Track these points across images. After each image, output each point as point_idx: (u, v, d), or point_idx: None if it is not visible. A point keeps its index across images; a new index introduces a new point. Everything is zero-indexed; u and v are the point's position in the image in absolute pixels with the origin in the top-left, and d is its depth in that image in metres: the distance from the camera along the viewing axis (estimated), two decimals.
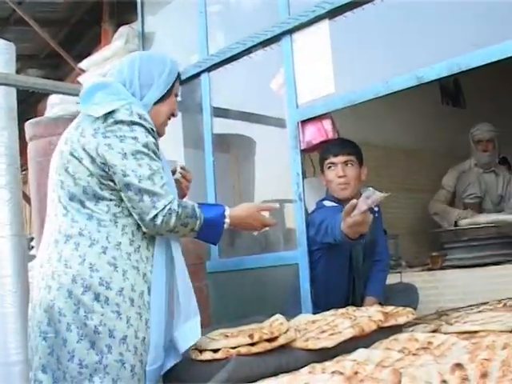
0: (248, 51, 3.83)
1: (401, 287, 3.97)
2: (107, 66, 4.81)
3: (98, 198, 2.30)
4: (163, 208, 2.25)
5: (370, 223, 2.81)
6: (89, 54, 5.51)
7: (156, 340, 2.33)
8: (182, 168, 2.78)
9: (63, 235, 2.29)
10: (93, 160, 2.28)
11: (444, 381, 1.80)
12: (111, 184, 2.30)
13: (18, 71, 7.14)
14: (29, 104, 7.83)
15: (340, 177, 3.55)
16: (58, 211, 2.33)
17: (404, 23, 3.20)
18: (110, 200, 2.31)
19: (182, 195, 2.69)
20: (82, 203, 2.29)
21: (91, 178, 2.29)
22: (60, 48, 6.23)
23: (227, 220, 2.44)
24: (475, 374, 1.80)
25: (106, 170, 2.28)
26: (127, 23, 5.16)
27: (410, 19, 3.20)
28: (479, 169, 5.73)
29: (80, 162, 2.30)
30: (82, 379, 2.16)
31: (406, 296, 3.80)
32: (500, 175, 5.75)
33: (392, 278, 4.29)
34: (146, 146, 2.28)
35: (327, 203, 3.58)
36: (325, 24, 3.40)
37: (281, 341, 2.35)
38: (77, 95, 4.52)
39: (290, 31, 3.54)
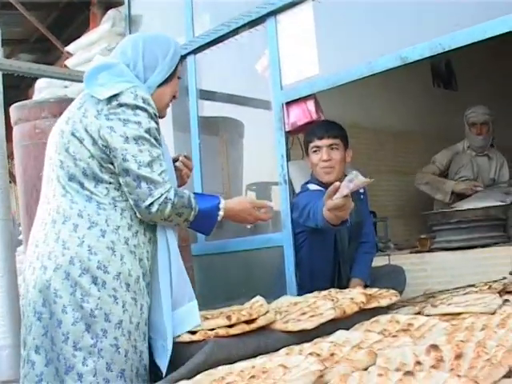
0: (233, 33, 3.81)
1: (388, 269, 3.95)
2: (94, 49, 4.79)
3: (97, 180, 2.28)
4: (159, 196, 2.24)
5: (351, 209, 2.77)
6: (78, 38, 5.47)
7: (168, 325, 2.33)
8: (184, 156, 2.75)
9: (62, 215, 2.26)
10: (94, 142, 2.26)
11: (418, 362, 1.79)
12: (111, 167, 2.28)
13: (8, 56, 7.15)
14: (20, 89, 7.80)
15: (324, 160, 3.50)
16: (57, 191, 2.31)
17: (388, 4, 3.17)
18: (110, 183, 2.29)
19: (181, 183, 2.68)
20: (81, 184, 2.28)
21: (92, 159, 2.27)
22: (49, 32, 6.18)
23: (221, 212, 2.43)
24: (450, 355, 1.79)
25: (107, 152, 2.26)
26: (116, 6, 5.12)
27: (394, 0, 3.18)
28: (472, 151, 5.69)
29: (81, 142, 2.28)
30: (75, 361, 2.15)
31: (394, 278, 3.79)
32: (493, 159, 5.70)
33: (380, 261, 4.29)
34: (148, 131, 2.26)
35: (311, 186, 3.54)
36: (309, 5, 3.39)
37: (259, 322, 2.36)
38: (63, 79, 4.56)
39: (275, 12, 3.52)
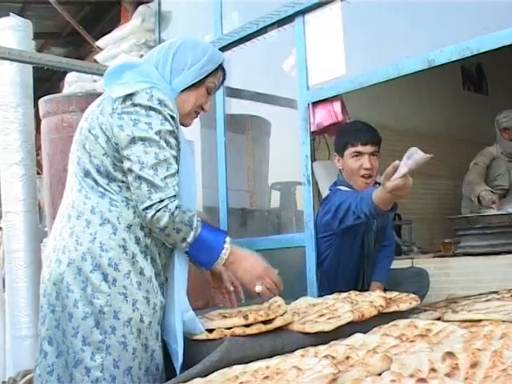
0: (261, 31, 3.80)
1: (412, 272, 3.92)
2: (123, 44, 4.81)
3: (110, 178, 2.29)
4: (158, 201, 2.18)
5: (410, 187, 2.61)
6: (109, 33, 5.50)
7: (180, 332, 2.33)
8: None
9: (76, 210, 2.29)
10: (108, 139, 2.27)
11: (433, 369, 1.77)
12: (123, 166, 2.27)
13: (40, 49, 7.22)
14: (51, 82, 7.89)
15: (366, 169, 3.38)
16: (74, 186, 2.34)
17: (416, 6, 3.14)
18: (122, 182, 2.29)
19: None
20: (95, 181, 2.29)
21: (106, 157, 2.28)
22: (80, 26, 6.22)
23: (227, 245, 2.33)
24: (466, 363, 1.77)
25: (119, 151, 2.26)
26: (146, 2, 5.14)
27: (422, 2, 3.15)
28: (505, 157, 5.60)
29: (96, 139, 2.29)
30: (84, 356, 2.18)
31: (417, 281, 3.77)
32: None
33: (404, 263, 4.28)
34: (158, 133, 2.23)
35: (343, 188, 3.46)
36: (337, 5, 3.37)
37: (277, 323, 2.34)
38: (92, 73, 4.59)
39: (303, 12, 3.51)
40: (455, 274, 4.16)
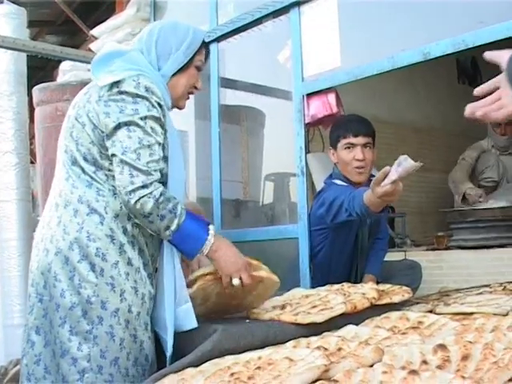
0: (257, 22, 3.78)
1: (405, 264, 3.94)
2: (118, 33, 4.79)
3: (97, 166, 2.27)
4: (141, 186, 2.14)
5: (400, 193, 2.67)
6: (104, 22, 5.47)
7: (171, 323, 2.31)
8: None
9: (63, 199, 2.28)
10: (94, 127, 2.26)
11: (425, 361, 1.78)
12: (109, 154, 2.26)
13: (35, 37, 7.19)
14: (45, 71, 7.85)
15: (358, 160, 3.39)
16: (62, 175, 2.33)
17: None
18: (109, 170, 2.26)
19: None
20: (82, 169, 2.28)
21: (92, 145, 2.27)
22: (75, 15, 6.20)
23: (211, 233, 2.30)
24: (457, 355, 1.78)
25: (105, 138, 2.24)
26: None
27: None
28: (496, 151, 5.61)
29: (83, 127, 2.27)
30: (70, 346, 2.17)
31: (410, 274, 3.78)
32: None
33: (397, 256, 4.29)
34: (143, 118, 2.21)
35: (338, 182, 3.45)
36: None
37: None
38: (87, 62, 4.57)
39: (299, 3, 3.49)
40: (448, 267, 4.17)
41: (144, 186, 2.15)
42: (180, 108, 2.52)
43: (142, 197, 2.15)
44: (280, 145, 4.45)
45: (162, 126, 2.29)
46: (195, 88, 2.54)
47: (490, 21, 2.68)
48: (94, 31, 5.16)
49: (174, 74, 2.43)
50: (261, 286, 2.51)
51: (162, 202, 2.18)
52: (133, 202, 2.16)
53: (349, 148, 3.42)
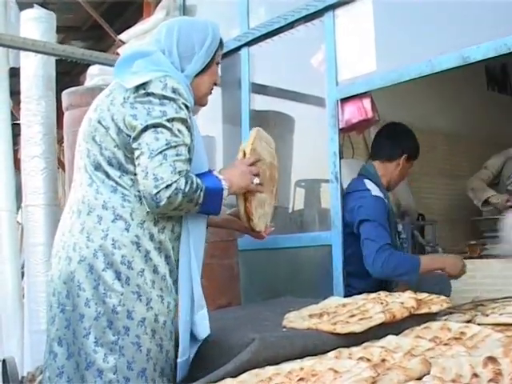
0: (289, 26, 3.75)
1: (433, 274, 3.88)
2: (147, 38, 4.75)
3: (122, 171, 2.21)
4: (166, 187, 2.08)
5: None
6: (131, 27, 5.46)
7: (184, 329, 2.26)
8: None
9: (86, 206, 2.21)
10: (119, 130, 2.19)
11: (476, 374, 1.72)
12: (134, 158, 2.19)
13: (60, 43, 7.17)
14: (71, 76, 7.85)
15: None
16: (84, 180, 2.25)
17: (450, 1, 3.08)
18: (135, 174, 2.19)
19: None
20: (106, 174, 2.21)
21: (117, 149, 2.20)
22: (102, 20, 6.18)
23: (221, 178, 2.28)
24: (509, 368, 1.71)
25: (131, 141, 2.18)
26: None
27: None
28: None
29: (107, 131, 2.21)
30: (96, 357, 2.10)
31: (439, 283, 3.73)
32: None
33: None
34: (171, 120, 2.15)
35: (374, 190, 3.49)
36: (368, 0, 3.30)
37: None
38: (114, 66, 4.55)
39: (333, 6, 3.46)
40: (481, 277, 4.09)
41: (168, 186, 2.09)
42: (203, 105, 2.49)
43: (170, 196, 2.09)
44: (311, 151, 4.40)
45: (189, 128, 2.23)
46: (215, 84, 2.49)
47: None
48: (122, 36, 5.14)
49: (197, 75, 2.37)
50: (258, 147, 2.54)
51: (189, 189, 2.12)
52: (162, 204, 2.10)
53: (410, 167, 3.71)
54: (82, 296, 2.13)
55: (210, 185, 2.24)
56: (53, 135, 4.41)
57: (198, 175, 2.22)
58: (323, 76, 3.54)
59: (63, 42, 7.40)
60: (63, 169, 5.42)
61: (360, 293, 2.91)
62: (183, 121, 2.20)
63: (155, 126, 2.14)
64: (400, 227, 4.75)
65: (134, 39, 4.94)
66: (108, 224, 2.17)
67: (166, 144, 2.12)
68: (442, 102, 6.04)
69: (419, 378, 1.74)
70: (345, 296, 3.16)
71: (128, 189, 2.21)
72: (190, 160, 2.22)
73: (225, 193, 2.28)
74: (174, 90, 2.20)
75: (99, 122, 2.24)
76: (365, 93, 3.36)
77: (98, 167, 2.22)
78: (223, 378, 2.00)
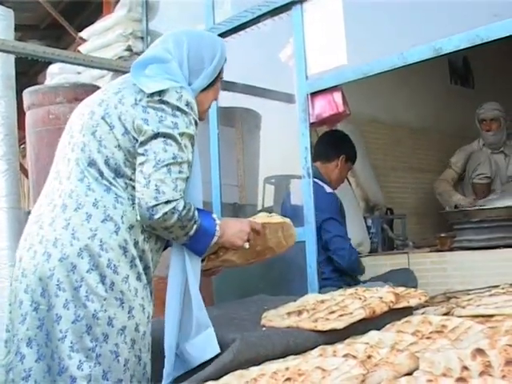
0: (256, 20, 3.70)
1: (395, 272, 3.97)
2: (109, 35, 4.68)
3: (118, 173, 2.13)
4: (165, 202, 2.05)
5: None
6: (91, 24, 5.37)
7: (169, 350, 2.20)
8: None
9: (74, 201, 2.10)
10: (126, 132, 2.12)
11: (465, 367, 1.69)
12: (135, 162, 2.12)
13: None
14: (29, 76, 7.70)
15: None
16: (73, 174, 2.15)
17: None
18: (130, 179, 2.13)
19: None
20: (100, 173, 2.12)
21: (118, 149, 2.13)
22: (61, 18, 6.07)
23: (217, 222, 2.25)
24: (499, 360, 1.69)
25: (136, 145, 2.11)
26: None
27: None
28: (487, 149, 5.62)
29: (111, 129, 2.13)
30: (70, 363, 1.99)
31: (403, 276, 3.81)
32: (510, 156, 5.64)
33: (399, 258, 4.24)
34: (181, 135, 2.10)
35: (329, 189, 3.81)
36: None
37: None
38: (78, 64, 4.45)
39: (301, 0, 3.40)
40: (452, 269, 4.10)
41: (168, 202, 2.05)
42: (201, 120, 2.40)
43: (166, 213, 2.05)
44: (280, 147, 4.36)
45: (193, 146, 2.18)
46: (215, 100, 2.48)
47: (506, 14, 2.61)
48: (83, 33, 5.04)
49: (202, 90, 2.33)
50: (273, 230, 2.53)
51: (185, 214, 2.09)
52: (156, 217, 2.05)
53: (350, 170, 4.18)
54: (61, 296, 2.02)
55: (205, 223, 2.20)
56: (14, 136, 4.27)
57: (197, 209, 2.19)
58: (292, 70, 3.50)
59: (21, 42, 7.26)
60: (24, 171, 5.31)
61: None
62: (191, 137, 2.15)
63: (166, 135, 2.09)
64: (369, 222, 4.81)
65: (95, 37, 4.85)
66: (97, 224, 2.08)
67: (173, 158, 2.07)
68: (408, 97, 6.06)
69: (408, 374, 1.71)
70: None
71: (122, 191, 2.13)
72: (188, 178, 2.17)
73: (214, 239, 2.24)
74: (188, 104, 2.16)
75: (103, 118, 2.16)
76: (335, 86, 3.32)
77: (92, 164, 2.13)
78: (205, 381, 1.95)
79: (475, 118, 5.57)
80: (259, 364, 2.05)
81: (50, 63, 4.96)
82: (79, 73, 4.90)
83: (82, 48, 4.98)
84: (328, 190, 3.78)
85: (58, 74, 4.97)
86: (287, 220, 2.59)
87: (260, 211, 4.76)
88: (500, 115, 5.48)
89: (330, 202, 3.72)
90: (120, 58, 4.59)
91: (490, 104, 5.50)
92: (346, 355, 1.93)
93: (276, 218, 2.54)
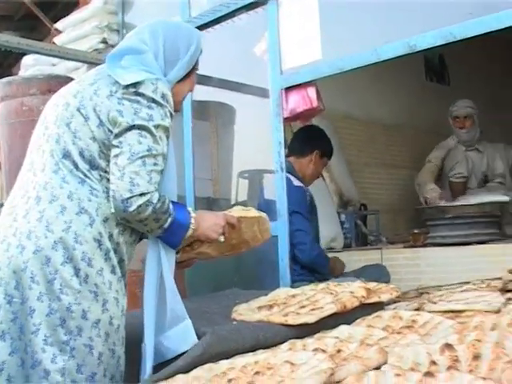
0: (232, 14, 3.69)
1: (369, 267, 3.99)
2: (85, 26, 4.65)
3: (92, 165, 2.12)
4: (140, 194, 2.04)
5: None
6: (67, 16, 5.32)
7: (149, 343, 2.17)
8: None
9: (49, 193, 2.08)
10: (101, 123, 2.11)
11: (433, 362, 1.71)
12: (110, 155, 2.11)
13: None
14: (3, 68, 7.63)
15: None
16: (48, 165, 2.13)
17: None
18: (105, 172, 2.12)
19: None
20: (75, 164, 2.11)
21: (93, 141, 2.11)
22: (37, 8, 6.01)
23: (193, 215, 2.25)
24: (467, 355, 1.71)
25: (110, 137, 2.10)
26: None
27: None
28: (462, 146, 5.64)
29: (86, 121, 2.12)
30: (44, 357, 1.97)
31: (375, 271, 3.84)
32: (484, 152, 5.67)
33: (372, 254, 4.26)
34: (156, 127, 2.09)
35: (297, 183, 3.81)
36: None
37: None
38: (53, 55, 4.42)
39: None
40: (425, 265, 4.13)
41: (142, 194, 2.04)
42: (177, 111, 2.39)
43: (140, 205, 2.04)
44: (254, 142, 4.36)
45: (168, 138, 2.18)
46: (190, 91, 2.47)
47: (480, 12, 2.63)
48: (58, 25, 5.00)
49: (177, 81, 2.32)
50: (248, 224, 2.54)
51: (159, 207, 2.09)
52: (130, 209, 2.04)
53: (324, 167, 4.18)
54: (35, 289, 2.00)
55: (179, 217, 2.19)
56: None
57: (171, 202, 2.18)
58: (266, 65, 3.49)
59: None
60: None
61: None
62: (166, 129, 2.14)
63: (140, 128, 2.08)
64: (343, 217, 4.83)
65: (70, 28, 4.81)
66: (72, 216, 2.06)
67: (148, 150, 2.07)
68: (382, 92, 6.08)
69: (377, 368, 1.72)
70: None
71: (96, 183, 2.11)
72: (162, 171, 2.15)
73: (189, 231, 2.24)
74: (163, 96, 2.14)
75: (78, 110, 2.14)
76: (310, 82, 3.32)
77: (66, 155, 2.12)
78: (175, 375, 1.94)
79: (448, 116, 5.58)
80: (229, 358, 2.05)
81: (24, 54, 4.91)
82: (54, 64, 4.86)
83: (57, 40, 4.94)
84: (296, 183, 3.78)
85: (32, 66, 4.93)
86: (263, 214, 2.59)
87: (234, 205, 4.80)
88: (473, 112, 5.49)
89: (297, 195, 3.68)
90: (95, 50, 4.57)
91: (463, 101, 5.51)
92: (315, 349, 1.93)
93: (252, 212, 2.54)
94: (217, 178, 4.75)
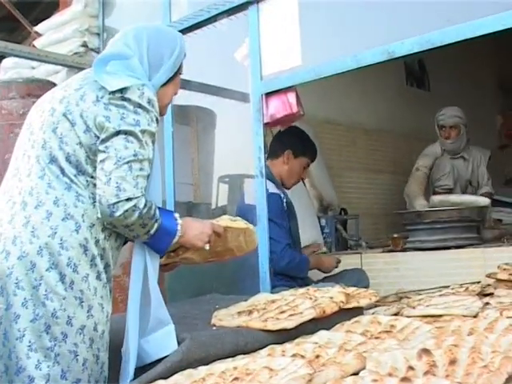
0: (213, 19, 3.69)
1: (348, 271, 3.98)
2: (65, 29, 4.63)
3: (79, 170, 2.11)
4: (127, 199, 2.04)
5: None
6: (47, 18, 5.30)
7: (133, 348, 2.17)
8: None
9: (35, 199, 2.08)
10: (87, 129, 2.10)
11: (411, 367, 1.72)
12: (97, 160, 2.11)
13: None
14: None
15: (302, 179, 4.18)
16: (34, 171, 2.12)
17: None
18: (92, 177, 2.11)
19: None
20: (61, 170, 2.10)
21: (79, 147, 2.10)
22: (16, 11, 5.97)
23: (179, 222, 2.25)
24: (444, 360, 1.73)
25: (97, 143, 2.09)
26: None
27: None
28: (447, 155, 5.57)
29: (72, 126, 2.11)
30: (28, 363, 1.97)
31: (355, 276, 3.84)
32: (469, 160, 5.61)
33: (352, 258, 4.27)
34: (143, 132, 2.09)
35: (273, 190, 3.70)
36: None
37: None
38: (33, 59, 4.39)
39: (258, 0, 3.41)
40: (404, 269, 4.15)
41: (128, 199, 2.04)
42: (162, 115, 2.41)
43: (127, 210, 2.04)
44: (234, 146, 4.36)
45: (154, 142, 2.18)
46: (175, 94, 2.47)
47: (458, 19, 2.65)
48: (38, 28, 4.98)
49: (162, 85, 2.32)
50: (234, 234, 2.54)
51: (146, 212, 2.09)
52: (117, 214, 2.04)
53: (305, 168, 3.95)
54: (20, 295, 1.99)
55: (166, 223, 2.20)
56: None
57: (158, 208, 2.18)
58: (247, 70, 3.50)
59: None
60: None
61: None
62: (152, 134, 2.15)
63: (127, 133, 2.07)
64: (323, 222, 4.84)
65: (50, 31, 4.79)
66: (57, 222, 2.06)
67: (134, 155, 2.06)
68: (362, 97, 6.11)
69: (355, 373, 1.73)
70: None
71: (83, 189, 2.11)
72: (149, 176, 2.16)
73: (175, 238, 2.24)
74: (149, 101, 2.15)
75: (64, 115, 2.13)
76: (290, 87, 3.33)
77: (53, 161, 2.11)
78: (154, 380, 1.94)
79: (435, 123, 5.45)
80: (209, 363, 2.06)
81: (3, 57, 4.88)
82: (34, 68, 4.83)
83: (37, 42, 4.91)
84: (272, 189, 3.67)
85: (11, 69, 4.89)
86: (250, 226, 2.59)
87: (214, 210, 4.81)
88: (460, 122, 5.37)
89: (270, 202, 3.53)
90: (75, 53, 4.54)
91: (450, 110, 5.40)
92: (294, 355, 1.95)
93: (239, 223, 2.54)
94: (197, 183, 4.75)
